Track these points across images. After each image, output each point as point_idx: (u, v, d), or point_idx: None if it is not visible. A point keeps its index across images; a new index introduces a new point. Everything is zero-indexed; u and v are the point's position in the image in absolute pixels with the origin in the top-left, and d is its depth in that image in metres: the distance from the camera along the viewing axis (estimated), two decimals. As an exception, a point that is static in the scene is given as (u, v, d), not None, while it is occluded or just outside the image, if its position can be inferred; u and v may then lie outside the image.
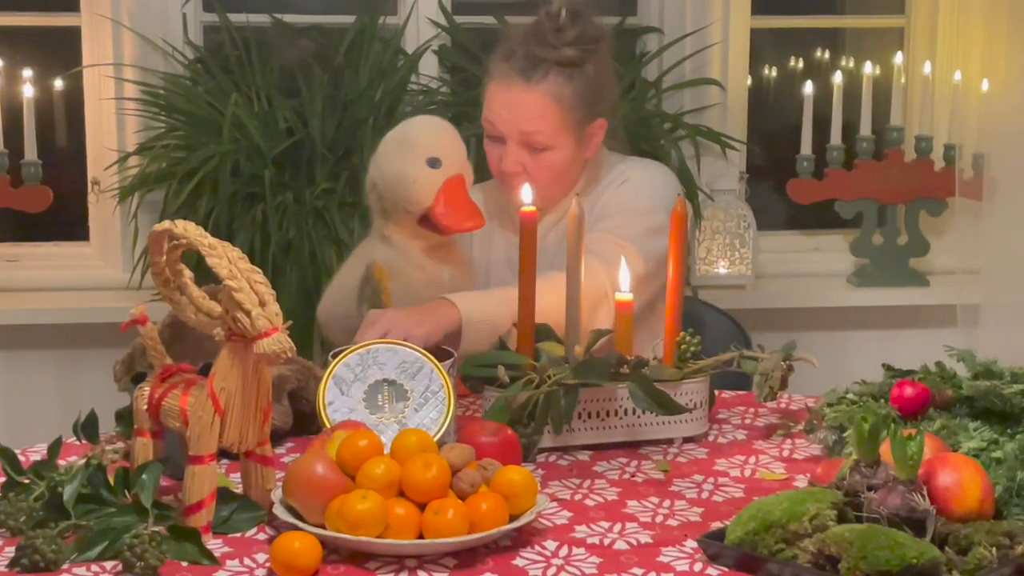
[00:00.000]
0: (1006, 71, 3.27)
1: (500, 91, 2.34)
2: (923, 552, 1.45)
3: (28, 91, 3.17)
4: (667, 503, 1.77)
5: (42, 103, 3.33)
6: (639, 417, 1.99)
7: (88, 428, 1.88)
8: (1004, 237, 3.27)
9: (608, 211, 2.37)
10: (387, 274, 2.20)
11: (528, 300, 2.00)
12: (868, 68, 3.37)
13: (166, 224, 1.61)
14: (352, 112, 3.17)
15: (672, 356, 2.04)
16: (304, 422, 2.01)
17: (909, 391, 1.89)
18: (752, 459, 1.96)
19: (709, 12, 3.41)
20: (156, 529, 1.55)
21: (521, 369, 1.96)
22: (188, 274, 1.69)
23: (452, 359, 1.98)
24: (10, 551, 1.54)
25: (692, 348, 2.04)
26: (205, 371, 1.66)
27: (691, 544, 1.62)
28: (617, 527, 1.68)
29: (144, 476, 1.62)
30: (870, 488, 1.55)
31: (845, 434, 1.88)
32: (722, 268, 3.43)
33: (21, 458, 1.74)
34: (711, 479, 1.87)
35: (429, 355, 1.90)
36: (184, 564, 1.54)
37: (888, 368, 2.04)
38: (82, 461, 1.68)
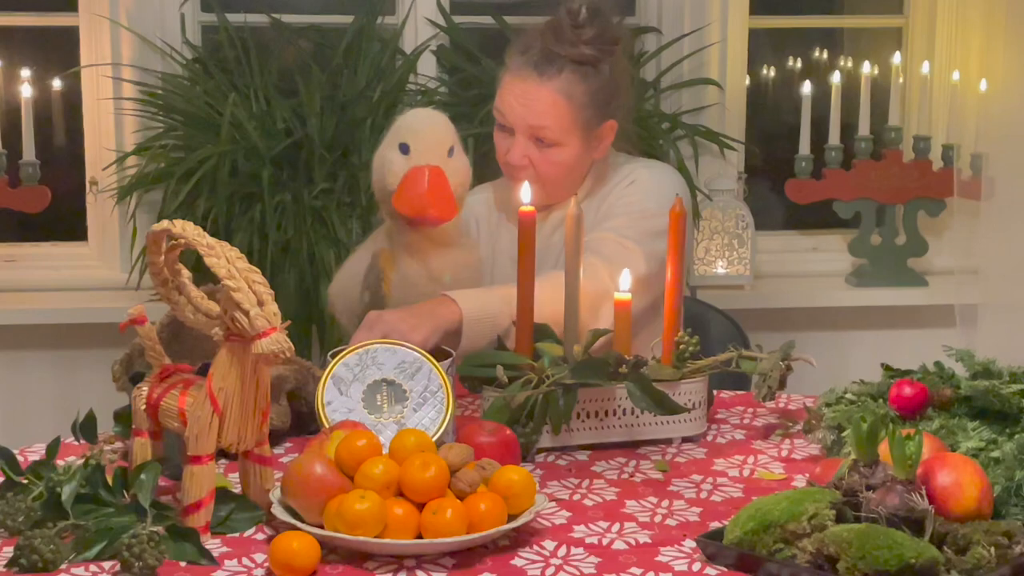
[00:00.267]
0: (1004, 71, 3.27)
1: (513, 83, 2.34)
2: (921, 552, 1.45)
3: (26, 91, 3.17)
4: (666, 503, 1.77)
5: (40, 103, 3.33)
6: (638, 417, 1.99)
7: (86, 428, 1.88)
8: (1002, 237, 3.28)
9: (614, 211, 2.37)
10: (392, 264, 2.20)
11: (527, 299, 2.00)
12: (866, 68, 3.37)
13: (164, 224, 1.61)
14: (350, 112, 3.17)
15: (671, 356, 2.04)
16: (302, 422, 2.01)
17: (908, 391, 1.89)
18: (751, 459, 1.96)
19: (707, 12, 3.41)
20: (154, 529, 1.55)
21: (520, 369, 1.96)
22: (186, 274, 1.68)
23: (451, 359, 1.98)
24: (8, 551, 1.54)
25: (691, 348, 2.04)
26: (203, 371, 1.66)
27: (690, 544, 1.62)
28: (616, 527, 1.68)
29: (142, 476, 1.62)
30: (869, 488, 1.55)
31: (844, 434, 1.88)
32: (721, 268, 3.43)
33: (20, 458, 1.74)
34: (710, 479, 1.87)
35: (428, 355, 1.90)
36: (182, 564, 1.54)
37: (887, 368, 2.04)
38: (80, 461, 1.67)
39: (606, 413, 1.98)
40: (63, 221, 3.39)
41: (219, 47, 3.28)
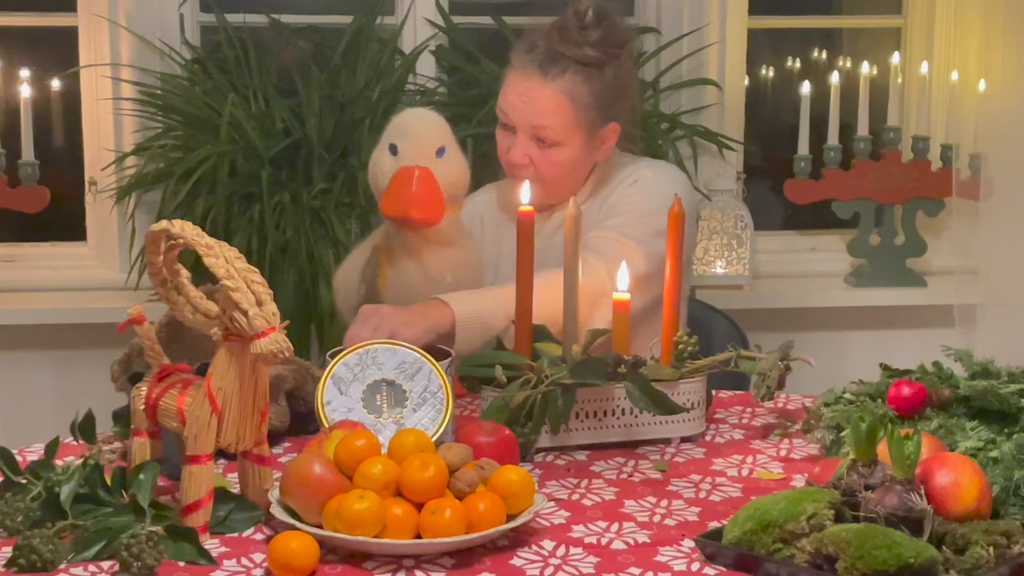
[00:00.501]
0: (1003, 71, 3.27)
1: (517, 81, 2.35)
2: (920, 552, 1.45)
3: (25, 91, 3.17)
4: (664, 503, 1.77)
5: (39, 103, 3.33)
6: (636, 417, 1.99)
7: (85, 428, 1.87)
8: (1001, 237, 3.28)
9: (616, 210, 2.37)
10: (386, 262, 2.20)
11: (526, 299, 2.00)
12: (865, 68, 3.37)
13: (163, 224, 1.61)
14: (349, 112, 3.17)
15: (669, 356, 2.04)
16: (301, 422, 2.01)
17: (906, 391, 1.89)
18: (749, 459, 1.96)
19: (706, 12, 3.41)
20: (153, 529, 1.54)
21: (519, 369, 1.96)
22: (185, 274, 1.68)
23: (450, 359, 1.98)
24: (7, 551, 1.54)
25: (689, 348, 2.04)
26: (202, 371, 1.66)
27: (688, 544, 1.62)
28: (615, 527, 1.68)
29: (141, 476, 1.62)
30: (867, 488, 1.55)
31: (842, 434, 1.88)
32: (719, 268, 3.43)
33: (18, 458, 1.74)
34: (709, 479, 1.87)
35: (428, 356, 1.90)
36: (181, 564, 1.54)
37: (885, 368, 2.04)
38: (79, 461, 1.67)
39: (605, 413, 1.98)
40: (62, 221, 3.39)
41: (218, 47, 3.28)
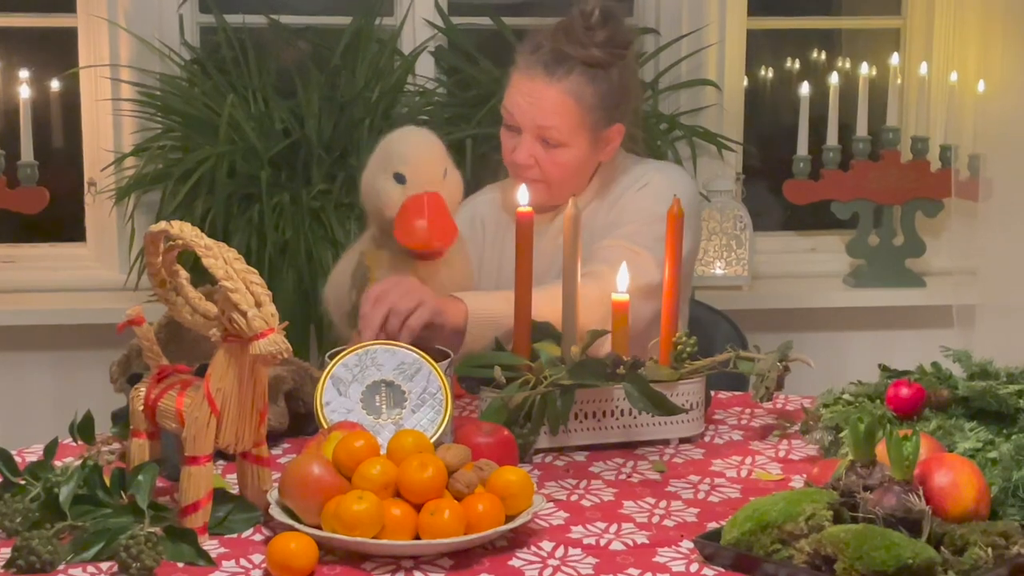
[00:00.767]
0: (1002, 72, 3.27)
1: (522, 81, 2.35)
2: (919, 552, 1.45)
3: (24, 92, 3.17)
4: (663, 504, 1.77)
5: (39, 104, 3.33)
6: (635, 418, 1.99)
7: (84, 429, 1.87)
8: (1000, 238, 3.28)
9: (625, 216, 2.37)
10: (375, 267, 2.20)
11: (524, 300, 2.00)
12: (864, 69, 3.37)
13: (162, 225, 1.61)
14: (349, 113, 3.17)
15: (668, 357, 2.04)
16: (300, 423, 2.01)
17: (905, 392, 1.89)
18: (748, 460, 1.96)
19: (705, 13, 3.42)
20: (152, 530, 1.54)
21: (517, 370, 1.97)
22: (184, 275, 1.68)
23: (449, 360, 1.98)
24: (6, 552, 1.54)
25: (688, 349, 2.04)
26: (201, 372, 1.66)
27: (687, 545, 1.62)
28: (613, 528, 1.68)
29: (140, 477, 1.62)
30: (866, 488, 1.55)
31: (841, 435, 1.88)
32: (719, 269, 3.43)
33: (17, 459, 1.74)
34: (707, 480, 1.87)
35: (427, 357, 1.90)
36: (180, 565, 1.54)
37: (884, 368, 2.04)
38: (78, 462, 1.68)
39: (604, 414, 1.98)
40: (61, 222, 3.39)
41: (217, 48, 3.28)
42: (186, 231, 1.60)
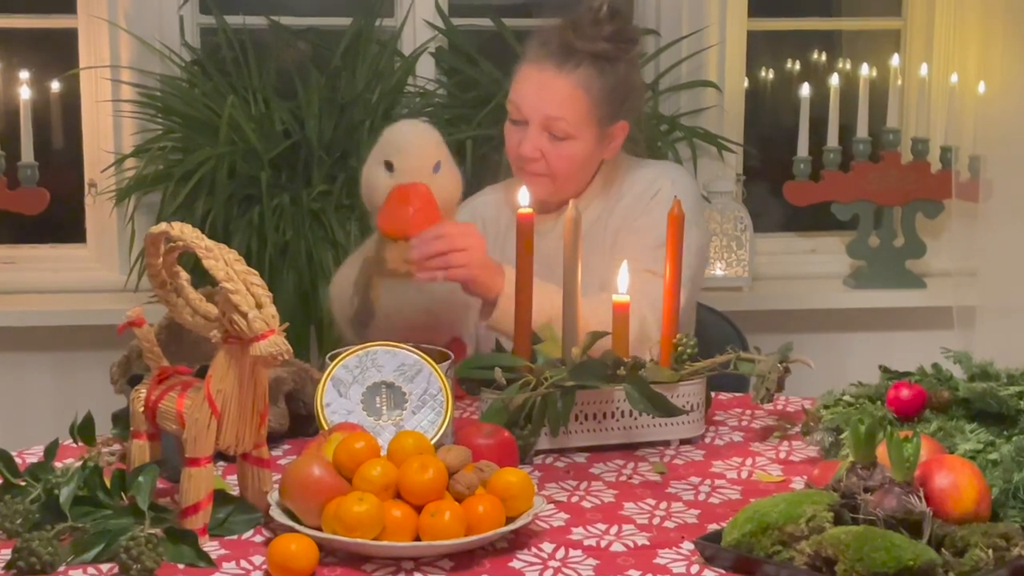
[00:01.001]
0: (1003, 73, 3.27)
1: (531, 73, 2.36)
2: (919, 554, 1.45)
3: (25, 93, 3.17)
4: (664, 505, 1.77)
5: (39, 105, 3.32)
6: (636, 419, 1.99)
7: (84, 430, 1.87)
8: (1000, 239, 3.28)
9: (640, 225, 2.37)
10: (379, 271, 2.19)
11: (525, 301, 2.00)
12: (865, 70, 3.37)
13: (163, 226, 1.61)
14: (349, 114, 3.18)
15: (669, 358, 2.04)
16: (300, 424, 2.01)
17: (905, 393, 1.89)
18: (749, 461, 1.96)
19: (706, 14, 3.42)
20: (153, 531, 1.54)
21: (518, 371, 1.97)
22: (185, 276, 1.69)
23: (449, 361, 1.98)
24: (6, 553, 1.54)
25: (689, 350, 2.04)
26: (202, 373, 1.66)
27: (688, 546, 1.62)
28: (614, 529, 1.68)
29: (140, 478, 1.62)
30: (866, 490, 1.55)
31: (841, 436, 1.88)
32: (719, 270, 3.43)
33: (17, 460, 1.74)
34: (708, 481, 1.87)
35: (428, 358, 1.90)
36: (180, 566, 1.54)
37: (884, 370, 2.04)
38: (78, 463, 1.68)
39: (604, 415, 1.98)
40: (62, 223, 3.39)
41: (217, 49, 3.28)
42: (187, 232, 1.60)
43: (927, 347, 2.31)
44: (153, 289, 1.69)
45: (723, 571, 1.55)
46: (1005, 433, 1.79)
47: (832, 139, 3.40)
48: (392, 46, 3.30)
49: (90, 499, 1.62)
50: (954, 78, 3.39)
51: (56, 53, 3.38)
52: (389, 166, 2.14)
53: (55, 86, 3.41)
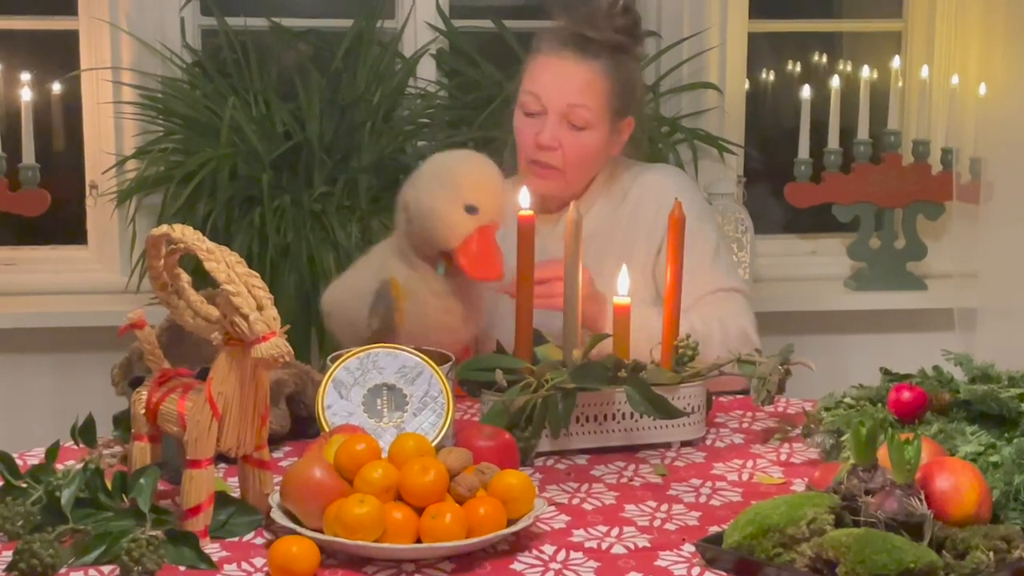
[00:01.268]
0: (1004, 75, 3.28)
1: (549, 63, 2.38)
2: (920, 556, 1.45)
3: (26, 95, 3.17)
4: (665, 507, 1.77)
5: (40, 107, 3.33)
6: (637, 421, 1.99)
7: (86, 432, 1.88)
8: (1001, 241, 3.28)
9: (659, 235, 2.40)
10: (404, 294, 2.18)
11: (526, 303, 2.00)
12: (866, 72, 3.37)
13: (164, 229, 1.61)
14: (350, 116, 3.18)
15: (670, 360, 2.04)
16: (302, 426, 2.01)
17: (906, 395, 1.89)
18: (750, 463, 1.96)
19: (706, 16, 3.42)
20: (154, 533, 1.54)
21: (519, 373, 1.97)
22: (186, 278, 1.69)
23: (450, 363, 1.98)
24: (7, 555, 1.54)
25: (690, 352, 2.04)
26: (203, 375, 1.66)
27: (689, 548, 1.62)
28: (615, 531, 1.68)
29: (142, 480, 1.62)
30: (867, 492, 1.55)
31: (842, 438, 1.88)
32: (720, 272, 3.42)
33: (19, 462, 1.74)
34: (709, 483, 1.87)
35: (429, 360, 1.90)
36: (182, 568, 1.54)
37: (885, 372, 2.04)
38: (80, 465, 1.68)
39: (605, 417, 1.98)
40: (63, 224, 3.39)
41: (219, 51, 3.28)
42: (188, 235, 1.60)
43: (928, 349, 2.31)
44: (154, 291, 1.70)
45: (724, 573, 1.55)
46: (1006, 435, 1.79)
47: (833, 141, 3.40)
48: (393, 48, 3.30)
49: (91, 501, 1.62)
50: (955, 80, 3.39)
51: (57, 55, 3.38)
52: (472, 209, 2.13)
53: (56, 88, 3.42)
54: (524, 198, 2.04)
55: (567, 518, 1.72)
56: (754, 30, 3.50)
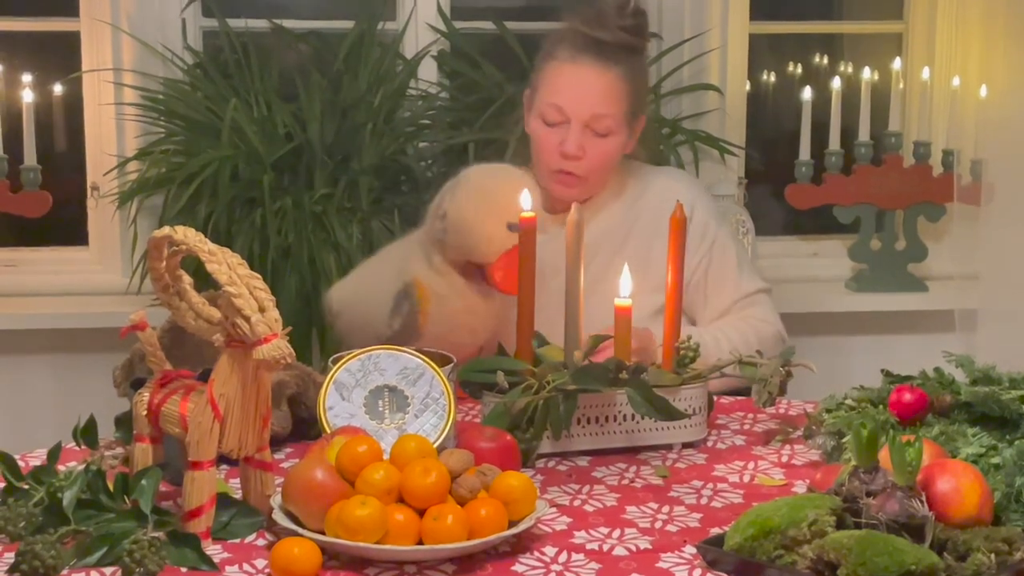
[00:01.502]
0: (1004, 77, 3.28)
1: (569, 71, 2.37)
2: (921, 558, 1.45)
3: (28, 96, 3.17)
4: (666, 509, 1.77)
5: (41, 108, 3.33)
6: (638, 423, 1.99)
7: (87, 433, 1.88)
8: (1002, 242, 3.28)
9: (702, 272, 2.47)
10: (429, 297, 2.19)
11: (528, 304, 2.00)
12: (867, 74, 3.37)
13: (166, 230, 1.62)
14: (351, 117, 3.18)
15: (671, 361, 2.04)
16: (303, 427, 2.01)
17: (908, 397, 1.89)
18: (751, 465, 1.96)
19: (707, 18, 3.42)
20: (155, 535, 1.55)
21: (520, 375, 1.97)
22: (187, 280, 1.69)
23: (452, 365, 1.98)
24: (10, 557, 1.54)
25: (691, 353, 2.04)
26: (204, 377, 1.66)
27: (690, 550, 1.62)
28: (616, 533, 1.68)
29: (143, 482, 1.62)
30: (869, 494, 1.55)
31: (844, 440, 1.88)
32: (721, 273, 3.42)
33: (21, 464, 1.74)
34: (710, 485, 1.87)
35: (430, 362, 1.90)
36: (183, 570, 1.54)
37: (887, 374, 2.04)
38: (82, 467, 1.68)
39: (606, 419, 1.98)
40: (64, 226, 3.39)
41: (220, 52, 3.28)
42: (190, 236, 1.60)
43: (929, 351, 2.31)
44: (156, 293, 1.70)
45: (725, 575, 1.55)
46: (1007, 437, 1.79)
47: (834, 142, 3.40)
48: (394, 49, 3.30)
49: (93, 502, 1.62)
50: (956, 81, 3.39)
51: (59, 56, 3.38)
52: (514, 227, 2.13)
53: (58, 89, 3.42)
54: (525, 199, 2.04)
55: (568, 520, 1.72)
56: (755, 32, 3.50)
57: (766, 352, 2.18)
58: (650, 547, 1.64)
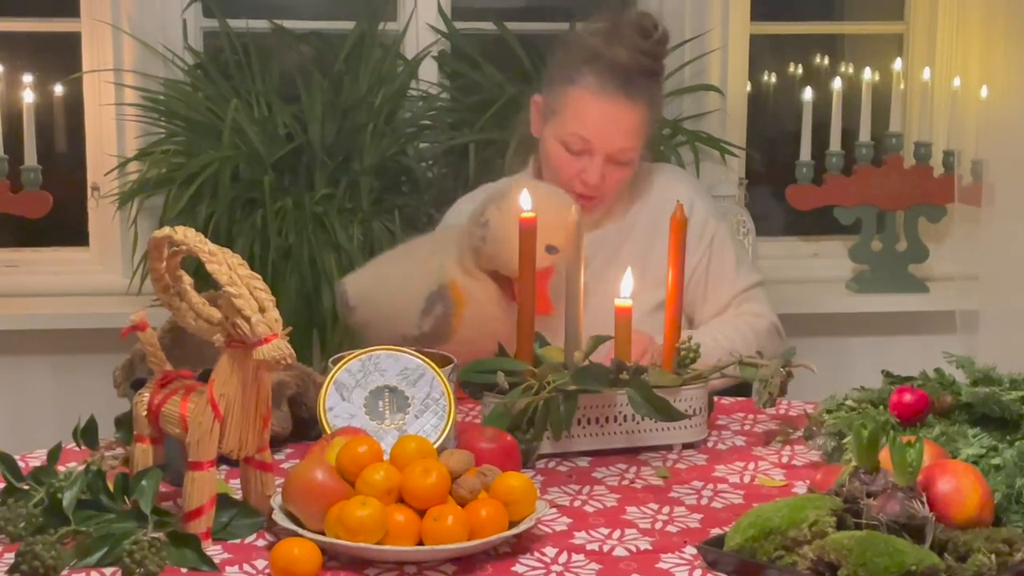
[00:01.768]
0: (1005, 78, 3.28)
1: (600, 107, 2.35)
2: (922, 559, 1.45)
3: (28, 96, 3.18)
4: (666, 509, 1.77)
5: (42, 108, 3.33)
6: (638, 423, 1.99)
7: (87, 434, 1.88)
8: (1003, 243, 3.28)
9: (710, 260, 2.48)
10: (465, 301, 2.19)
11: (527, 304, 2.00)
12: (867, 74, 3.37)
13: (166, 231, 1.62)
14: (352, 118, 3.18)
15: (671, 362, 2.04)
16: (303, 428, 2.01)
17: (908, 398, 1.89)
18: (751, 465, 1.96)
19: (708, 18, 3.42)
20: (156, 535, 1.55)
21: (520, 375, 1.97)
22: (188, 280, 1.69)
23: (452, 365, 1.98)
24: (9, 557, 1.54)
25: (691, 354, 2.04)
26: (205, 377, 1.66)
27: (690, 551, 1.62)
28: (616, 533, 1.68)
29: (144, 482, 1.62)
30: (869, 495, 1.55)
31: (844, 441, 1.88)
32: (721, 274, 3.42)
33: (21, 464, 1.74)
34: (710, 485, 1.87)
35: (431, 362, 1.90)
36: (184, 570, 1.54)
37: (887, 374, 2.04)
38: (82, 467, 1.68)
39: (607, 419, 1.98)
40: (65, 226, 3.39)
41: (221, 52, 3.29)
42: (190, 236, 1.60)
43: (930, 351, 2.32)
44: (156, 293, 1.70)
45: (726, 576, 1.56)
46: (1008, 438, 1.79)
47: (835, 143, 3.40)
48: (395, 50, 3.30)
49: (93, 503, 1.62)
50: (956, 82, 3.39)
51: (59, 56, 3.39)
52: (552, 250, 2.15)
53: (58, 89, 3.42)
54: (525, 200, 2.04)
55: (569, 520, 1.72)
56: (756, 32, 3.50)
57: (764, 345, 2.18)
58: (650, 548, 1.64)
